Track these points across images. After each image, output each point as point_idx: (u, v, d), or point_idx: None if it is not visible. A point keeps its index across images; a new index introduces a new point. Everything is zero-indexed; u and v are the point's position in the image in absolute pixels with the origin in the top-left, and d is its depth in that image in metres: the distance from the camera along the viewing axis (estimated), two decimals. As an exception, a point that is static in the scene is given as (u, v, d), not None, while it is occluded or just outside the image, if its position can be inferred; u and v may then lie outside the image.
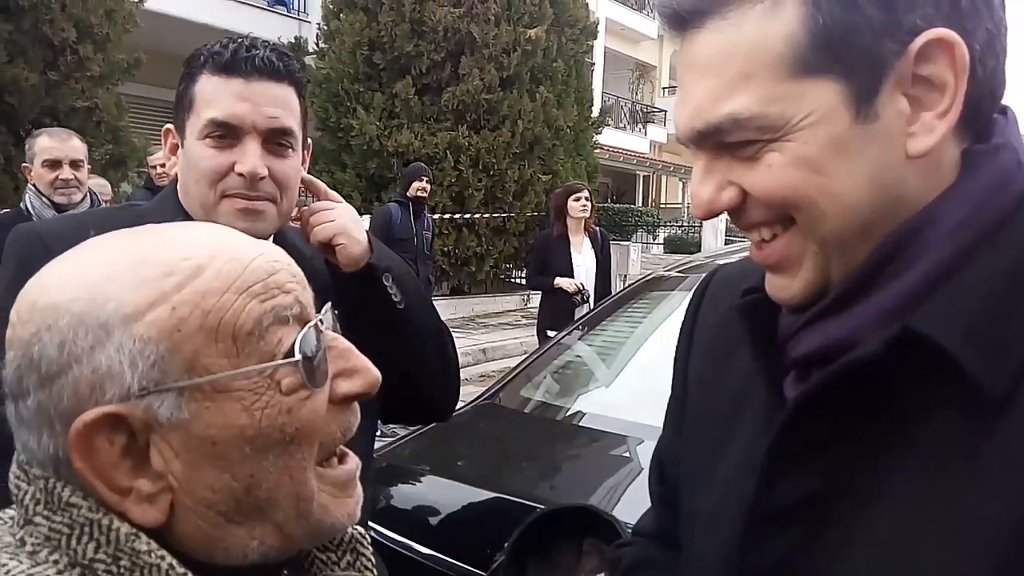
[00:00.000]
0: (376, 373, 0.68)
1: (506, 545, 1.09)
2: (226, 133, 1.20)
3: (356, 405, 0.69)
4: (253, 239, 0.67)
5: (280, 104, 1.22)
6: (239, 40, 1.24)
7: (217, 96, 1.20)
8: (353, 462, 0.69)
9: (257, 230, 1.21)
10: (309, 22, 14.23)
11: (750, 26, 0.64)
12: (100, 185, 4.78)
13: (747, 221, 0.70)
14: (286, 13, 14.59)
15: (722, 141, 0.67)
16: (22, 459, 0.62)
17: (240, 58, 1.20)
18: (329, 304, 0.71)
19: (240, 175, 1.19)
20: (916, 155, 0.64)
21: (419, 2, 11.52)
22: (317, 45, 12.70)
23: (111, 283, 0.59)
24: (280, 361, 0.61)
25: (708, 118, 0.66)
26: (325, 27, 12.46)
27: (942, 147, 0.65)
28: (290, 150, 1.25)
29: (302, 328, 0.63)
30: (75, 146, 3.54)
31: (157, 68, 9.21)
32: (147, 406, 0.58)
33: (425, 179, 6.87)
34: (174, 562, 0.60)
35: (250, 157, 1.19)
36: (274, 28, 12.84)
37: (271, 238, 1.30)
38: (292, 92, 1.25)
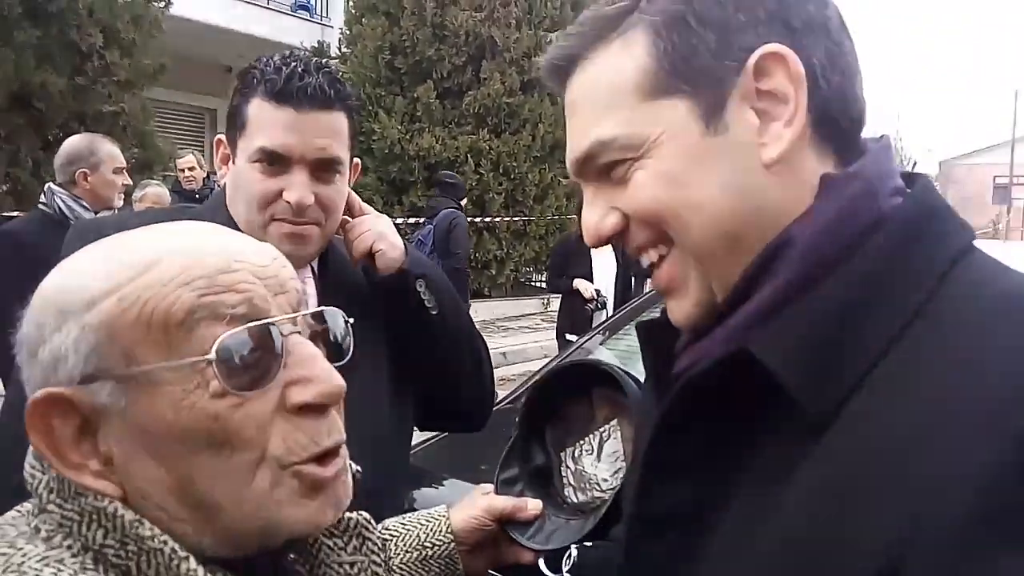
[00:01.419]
0: (337, 383, 0.65)
1: (516, 419, 1.11)
2: (275, 161, 1.22)
3: (332, 414, 0.67)
4: (235, 237, 0.67)
5: (329, 134, 1.23)
6: (292, 63, 1.23)
7: (268, 124, 1.21)
8: (334, 466, 0.67)
9: (301, 253, 1.26)
10: (331, 27, 14.31)
11: (608, 61, 0.71)
12: (157, 195, 4.91)
13: (633, 244, 0.74)
14: (308, 18, 14.68)
15: (596, 165, 0.72)
16: None
17: (293, 87, 1.20)
18: (338, 312, 0.71)
19: (288, 202, 1.22)
20: (770, 162, 0.67)
21: (441, 7, 11.55)
22: (339, 50, 12.76)
23: (83, 274, 0.63)
24: (197, 358, 0.60)
25: (581, 146, 0.72)
26: (347, 32, 12.52)
27: (799, 159, 0.68)
28: (337, 175, 1.27)
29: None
30: None
31: (182, 73, 9.32)
32: (93, 391, 0.61)
33: None
34: (176, 547, 0.61)
35: (297, 187, 1.21)
36: (296, 33, 12.95)
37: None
38: (343, 117, 1.26)
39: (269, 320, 0.64)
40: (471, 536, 1.03)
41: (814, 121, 0.68)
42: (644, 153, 0.69)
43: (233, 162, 1.29)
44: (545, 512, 1.04)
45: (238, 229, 1.24)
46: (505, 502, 1.04)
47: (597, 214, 0.74)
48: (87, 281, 0.62)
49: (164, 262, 0.62)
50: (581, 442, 1.06)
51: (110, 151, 3.65)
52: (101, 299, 0.61)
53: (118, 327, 0.61)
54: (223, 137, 1.33)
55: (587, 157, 0.72)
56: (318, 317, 0.70)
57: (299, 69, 1.22)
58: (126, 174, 3.72)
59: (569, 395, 1.08)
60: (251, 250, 0.66)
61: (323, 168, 1.24)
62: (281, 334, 0.64)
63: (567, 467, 1.07)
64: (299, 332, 0.66)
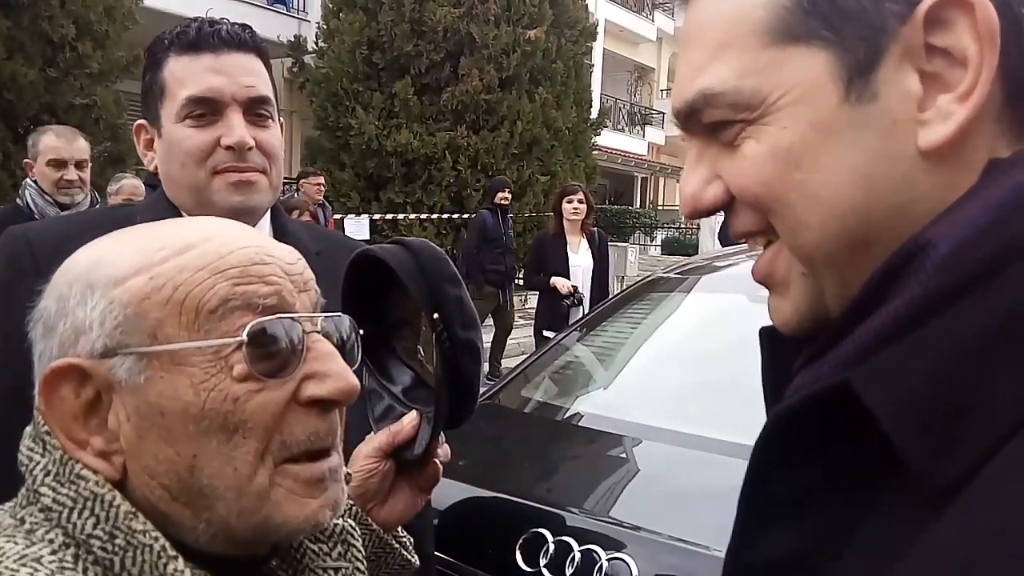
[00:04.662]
0: (352, 383, 0.67)
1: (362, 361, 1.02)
2: (206, 110, 1.18)
3: (335, 414, 0.68)
4: (262, 235, 0.69)
5: (253, 73, 1.21)
6: (199, 19, 1.22)
7: (190, 74, 1.18)
8: (327, 463, 0.67)
9: (253, 202, 1.21)
10: (308, 21, 14.22)
11: None
12: (134, 187, 4.57)
13: (736, 227, 0.60)
14: (285, 12, 14.58)
15: (702, 123, 0.58)
16: (43, 429, 0.64)
17: (206, 33, 1.18)
18: (346, 317, 0.72)
19: (229, 148, 1.17)
20: (928, 148, 0.51)
21: (419, 2, 11.52)
22: (316, 44, 12.68)
23: (115, 252, 0.64)
24: (228, 340, 0.62)
25: (685, 95, 0.57)
26: (324, 26, 12.45)
27: (974, 146, 0.51)
28: (270, 120, 1.23)
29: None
30: (81, 146, 3.55)
31: (156, 66, 9.16)
32: (111, 366, 0.62)
33: (507, 190, 7.70)
34: (167, 544, 0.61)
35: (236, 128, 1.17)
36: (273, 27, 12.85)
37: (267, 215, 1.28)
38: (260, 63, 1.23)
39: (297, 315, 0.66)
40: (371, 487, 0.96)
41: (1006, 95, 0.51)
42: (760, 116, 0.54)
43: (160, 136, 1.22)
44: (424, 417, 0.96)
45: (179, 213, 1.20)
46: (382, 434, 0.96)
47: (697, 181, 0.59)
48: (118, 259, 0.63)
49: (199, 247, 0.64)
50: (422, 332, 0.96)
51: (50, 143, 3.41)
52: (132, 276, 0.62)
53: (148, 305, 0.62)
54: (143, 122, 1.26)
55: (689, 110, 0.57)
56: (329, 321, 0.71)
57: (206, 21, 1.20)
58: (73, 168, 3.43)
59: (385, 300, 0.97)
60: (279, 248, 0.69)
61: (256, 109, 1.20)
62: (304, 330, 0.66)
63: (431, 364, 0.96)
64: (317, 331, 0.68)
